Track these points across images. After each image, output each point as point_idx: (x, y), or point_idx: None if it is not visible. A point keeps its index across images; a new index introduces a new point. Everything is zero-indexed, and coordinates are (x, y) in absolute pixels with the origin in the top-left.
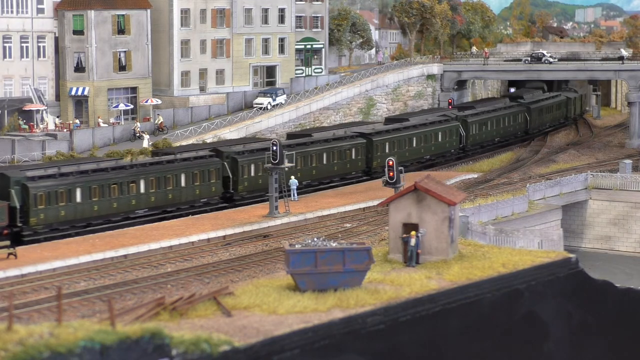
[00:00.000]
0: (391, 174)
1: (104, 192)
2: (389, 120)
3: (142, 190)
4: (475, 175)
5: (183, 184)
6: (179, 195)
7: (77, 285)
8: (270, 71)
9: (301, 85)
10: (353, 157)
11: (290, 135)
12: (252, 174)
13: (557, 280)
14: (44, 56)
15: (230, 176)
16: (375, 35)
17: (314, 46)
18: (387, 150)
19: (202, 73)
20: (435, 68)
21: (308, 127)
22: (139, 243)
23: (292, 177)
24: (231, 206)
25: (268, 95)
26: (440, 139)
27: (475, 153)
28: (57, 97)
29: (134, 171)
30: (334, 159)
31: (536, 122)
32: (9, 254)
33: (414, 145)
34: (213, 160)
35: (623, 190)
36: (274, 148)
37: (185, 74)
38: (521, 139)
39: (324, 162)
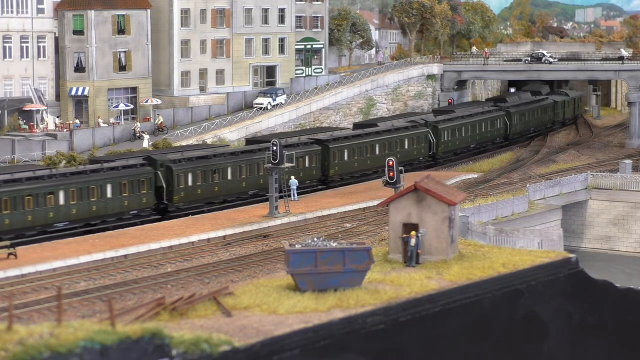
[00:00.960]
0: (391, 174)
1: (16, 205)
2: (357, 126)
3: (62, 202)
4: (475, 175)
5: (109, 194)
6: (104, 207)
7: (77, 285)
8: (270, 71)
9: (301, 85)
10: (306, 165)
11: (249, 141)
12: (190, 183)
13: (557, 280)
14: (44, 56)
15: (165, 186)
16: (375, 35)
17: (314, 46)
18: (345, 158)
19: (202, 73)
20: (435, 68)
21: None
22: (139, 243)
23: (292, 177)
24: (165, 218)
25: (268, 95)
26: (407, 146)
27: (447, 161)
28: (57, 97)
29: (52, 182)
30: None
31: (517, 127)
32: (9, 254)
33: (377, 152)
34: (145, 169)
35: (623, 190)
36: (274, 148)
37: (185, 74)
38: (500, 145)
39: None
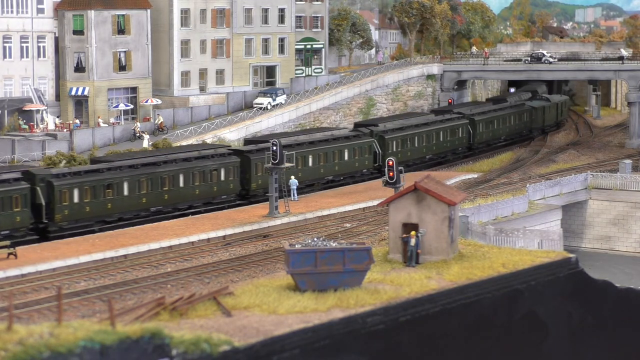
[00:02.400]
0: (391, 174)
1: None
2: (296, 134)
3: None
4: (475, 175)
5: None
6: None
7: (77, 285)
8: (270, 71)
9: (301, 85)
10: (222, 178)
11: (156, 147)
12: (76, 200)
13: (557, 280)
14: (44, 56)
15: (44, 203)
16: (375, 35)
17: (314, 46)
18: None
19: (202, 73)
20: (435, 68)
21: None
22: (139, 243)
23: (292, 177)
24: (44, 239)
25: (268, 95)
26: (347, 158)
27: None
28: (57, 97)
29: None
30: (194, 181)
31: (483, 136)
32: (9, 254)
33: (310, 164)
34: (19, 184)
35: (623, 190)
36: (274, 148)
37: (185, 74)
38: (462, 155)
39: (181, 184)
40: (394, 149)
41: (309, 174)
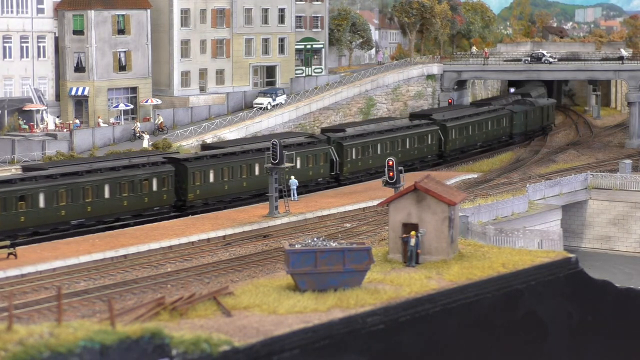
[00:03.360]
0: (391, 174)
1: None
2: (237, 142)
3: None
4: (475, 175)
5: None
6: None
7: (77, 285)
8: (270, 71)
9: (301, 85)
10: (154, 189)
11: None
12: None
13: (557, 280)
14: (44, 56)
15: None
16: (375, 35)
17: (314, 46)
18: (211, 180)
19: (202, 73)
20: (435, 68)
21: (308, 128)
22: (139, 243)
23: (292, 177)
24: None
25: (268, 95)
26: (299, 166)
27: (356, 181)
28: (57, 97)
29: None
30: (122, 192)
31: (456, 142)
32: (9, 254)
33: (256, 173)
34: None
35: (623, 190)
36: (274, 148)
37: (185, 74)
38: (431, 163)
39: (106, 196)
40: (353, 157)
41: (253, 184)
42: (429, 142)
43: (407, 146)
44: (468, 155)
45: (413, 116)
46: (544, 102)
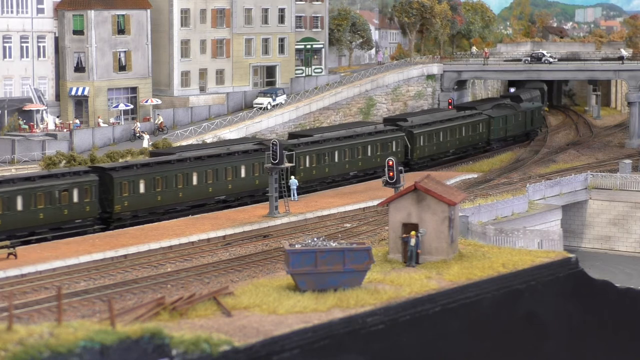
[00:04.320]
0: (391, 174)
1: None
2: (154, 154)
3: None
4: (475, 175)
5: None
6: None
7: (77, 285)
8: (270, 71)
9: (301, 85)
10: (75, 200)
11: None
12: None
13: (557, 280)
14: (44, 56)
15: None
16: (375, 35)
17: (314, 46)
18: (142, 190)
19: (202, 73)
20: (435, 68)
21: (307, 128)
22: (139, 243)
23: (292, 177)
24: None
25: (268, 95)
26: (244, 175)
27: (309, 191)
28: (57, 97)
29: None
30: (37, 203)
31: (424, 150)
32: (9, 254)
33: (194, 182)
34: None
35: (623, 190)
36: (274, 148)
37: (185, 74)
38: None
39: (19, 208)
40: (306, 165)
41: (191, 194)
42: (394, 149)
43: (369, 154)
44: (439, 163)
45: (387, 120)
46: (529, 106)
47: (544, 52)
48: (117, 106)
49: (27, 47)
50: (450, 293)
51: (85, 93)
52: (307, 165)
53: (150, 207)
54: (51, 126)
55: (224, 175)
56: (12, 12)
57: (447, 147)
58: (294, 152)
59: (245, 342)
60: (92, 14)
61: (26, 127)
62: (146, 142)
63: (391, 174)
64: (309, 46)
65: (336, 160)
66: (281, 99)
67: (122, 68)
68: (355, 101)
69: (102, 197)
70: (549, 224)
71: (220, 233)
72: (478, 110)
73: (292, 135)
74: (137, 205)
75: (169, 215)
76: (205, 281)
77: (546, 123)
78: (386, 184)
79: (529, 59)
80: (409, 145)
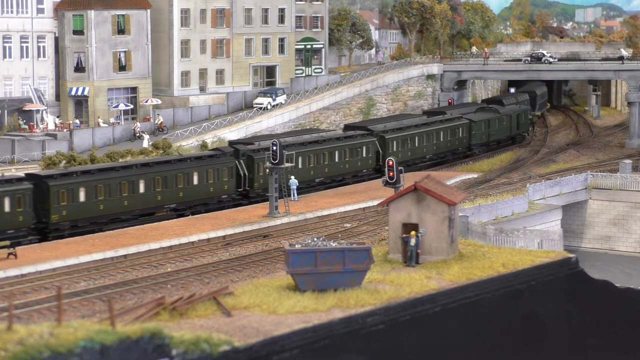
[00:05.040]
0: (391, 174)
1: None
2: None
3: None
4: (475, 175)
5: None
6: None
7: (77, 285)
8: (270, 71)
9: (301, 85)
10: (7, 209)
11: None
12: None
13: (557, 280)
14: (44, 56)
15: None
16: (375, 35)
17: (314, 46)
18: (82, 199)
19: (202, 73)
20: (435, 68)
21: (308, 127)
22: (139, 243)
23: (292, 177)
24: None
25: (268, 95)
26: (196, 182)
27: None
28: (57, 97)
29: None
30: None
31: (398, 155)
32: (9, 254)
33: (141, 190)
34: None
35: (623, 190)
36: (274, 148)
37: (185, 74)
38: (367, 178)
39: None
40: (265, 172)
41: (137, 203)
42: (364, 155)
43: (336, 160)
44: (414, 169)
45: (348, 127)
46: (514, 109)
47: (544, 52)
48: (117, 106)
49: (27, 47)
50: (450, 293)
51: (85, 93)
52: (265, 172)
53: (91, 217)
54: (51, 126)
55: (174, 183)
56: (12, 12)
57: (423, 153)
58: (253, 158)
59: (245, 342)
60: (92, 14)
61: (26, 127)
62: (146, 142)
63: (391, 174)
64: (309, 46)
65: (300, 167)
66: (281, 99)
67: (122, 68)
68: (355, 101)
69: (38, 206)
70: (549, 224)
71: (220, 233)
72: (457, 115)
73: (232, 143)
74: (76, 215)
75: (113, 226)
76: (205, 281)
77: (546, 123)
78: (386, 184)
79: (529, 59)
80: (381, 151)
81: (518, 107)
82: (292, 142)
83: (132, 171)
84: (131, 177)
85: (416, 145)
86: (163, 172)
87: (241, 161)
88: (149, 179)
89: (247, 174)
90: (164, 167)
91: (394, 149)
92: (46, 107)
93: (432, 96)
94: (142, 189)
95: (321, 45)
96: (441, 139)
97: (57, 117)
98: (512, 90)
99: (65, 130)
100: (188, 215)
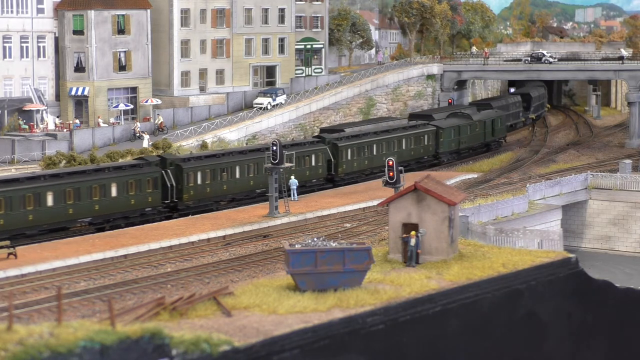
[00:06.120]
0: (391, 174)
1: None
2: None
3: None
4: (475, 175)
5: None
6: None
7: (77, 285)
8: (270, 71)
9: (301, 85)
10: None
11: None
12: None
13: (557, 280)
14: (44, 56)
15: None
16: (375, 35)
17: (314, 46)
18: (19, 209)
19: (202, 73)
20: (435, 68)
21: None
22: (139, 243)
23: (292, 177)
24: None
25: (268, 95)
26: (115, 194)
27: (201, 211)
28: (57, 97)
29: None
30: None
31: (352, 165)
32: (9, 254)
33: (49, 204)
34: None
35: (623, 190)
36: (274, 148)
37: (185, 74)
38: (316, 189)
39: None
40: (198, 182)
41: (51, 215)
42: (314, 163)
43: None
44: (371, 179)
45: (293, 144)
46: (489, 115)
47: (544, 52)
48: (117, 106)
49: (27, 47)
50: (450, 293)
51: (85, 93)
52: (199, 182)
53: (26, 227)
54: (51, 126)
55: (89, 195)
56: (12, 12)
57: (382, 162)
58: (183, 168)
59: (245, 342)
60: (92, 14)
61: (26, 127)
62: (146, 142)
63: (391, 174)
64: (309, 46)
65: (237, 177)
66: (281, 99)
67: (122, 68)
68: (355, 101)
69: None
70: (549, 224)
71: (220, 233)
72: (424, 122)
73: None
74: (17, 224)
75: (15, 242)
76: (205, 281)
77: (546, 123)
78: (386, 184)
79: (529, 59)
80: (333, 159)
81: (494, 112)
82: (221, 152)
83: (38, 182)
84: (37, 189)
85: (374, 153)
86: (75, 184)
87: (168, 171)
88: (58, 191)
89: (174, 184)
90: (76, 178)
91: (348, 158)
92: (46, 107)
93: (432, 96)
94: (50, 202)
95: (321, 45)
96: (403, 147)
97: (57, 117)
98: (512, 90)
99: (65, 130)
100: (107, 230)
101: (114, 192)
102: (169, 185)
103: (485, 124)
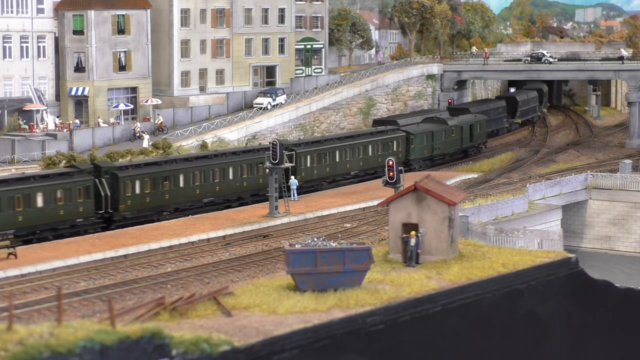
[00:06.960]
0: (391, 174)
1: None
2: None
3: None
4: (475, 175)
5: None
6: None
7: (77, 285)
8: (270, 71)
9: (301, 85)
10: None
11: None
12: None
13: (557, 280)
14: (44, 56)
15: None
16: (375, 35)
17: (314, 46)
18: None
19: (202, 73)
20: (435, 68)
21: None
22: (139, 243)
23: (292, 177)
24: None
25: (268, 95)
26: (41, 204)
27: (138, 222)
28: (57, 97)
29: None
30: None
31: (313, 172)
32: (9, 254)
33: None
34: None
35: (623, 190)
36: (274, 148)
37: (185, 74)
38: (261, 197)
39: None
40: (137, 191)
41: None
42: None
43: (231, 177)
44: (335, 186)
45: (239, 151)
46: (467, 119)
47: (544, 52)
48: (117, 106)
49: (27, 47)
50: (450, 293)
51: (85, 93)
52: (136, 191)
53: None
54: (51, 126)
55: (11, 205)
56: (12, 12)
57: (346, 169)
58: (119, 176)
59: (245, 342)
60: (92, 14)
61: (26, 127)
62: (146, 142)
63: (391, 174)
64: (309, 46)
65: (182, 185)
66: (281, 99)
67: (122, 68)
68: (355, 101)
69: None
70: (549, 224)
71: (220, 233)
72: (395, 127)
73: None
74: None
75: None
76: (205, 281)
77: (546, 123)
78: (386, 184)
79: (529, 59)
80: (295, 167)
81: (473, 117)
82: (173, 158)
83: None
84: None
85: (337, 160)
86: (11, 191)
87: (103, 180)
88: (11, 196)
89: (109, 194)
90: (16, 185)
91: (308, 164)
92: (46, 107)
93: (432, 96)
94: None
95: (321, 45)
96: (369, 154)
97: (57, 117)
98: (512, 90)
99: (65, 130)
100: (34, 242)
101: (39, 202)
102: (102, 195)
103: (462, 129)
